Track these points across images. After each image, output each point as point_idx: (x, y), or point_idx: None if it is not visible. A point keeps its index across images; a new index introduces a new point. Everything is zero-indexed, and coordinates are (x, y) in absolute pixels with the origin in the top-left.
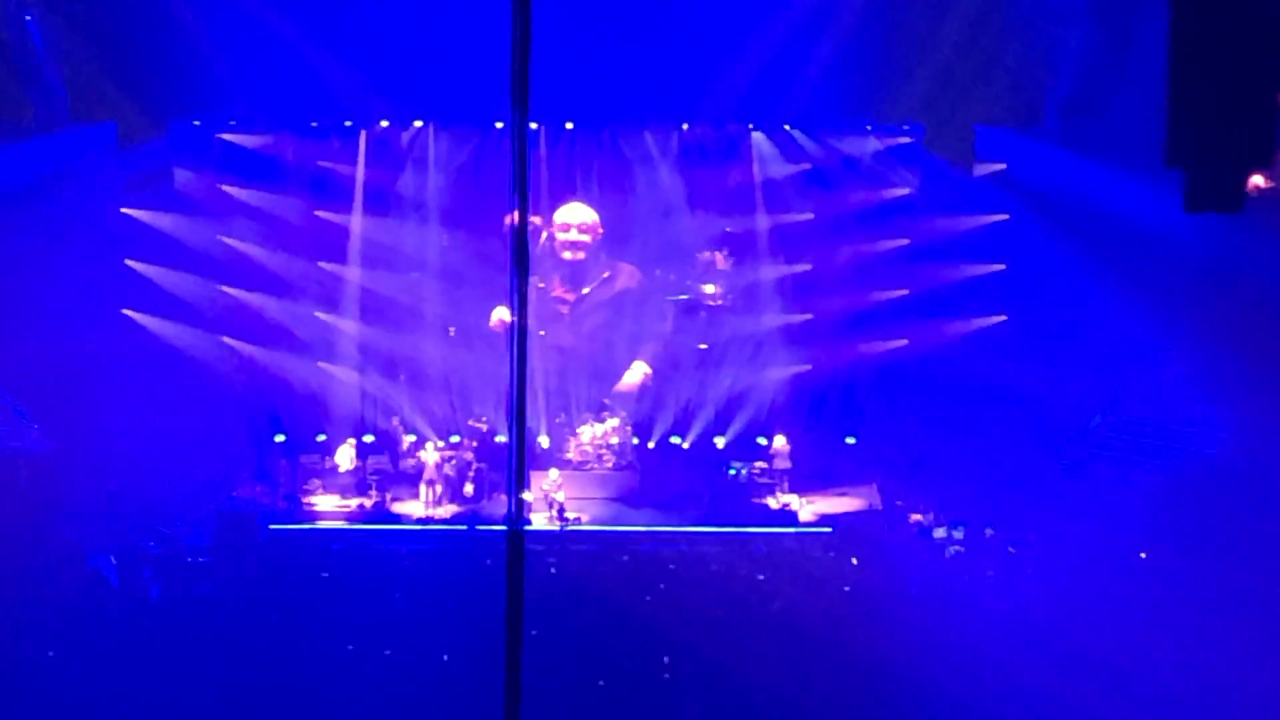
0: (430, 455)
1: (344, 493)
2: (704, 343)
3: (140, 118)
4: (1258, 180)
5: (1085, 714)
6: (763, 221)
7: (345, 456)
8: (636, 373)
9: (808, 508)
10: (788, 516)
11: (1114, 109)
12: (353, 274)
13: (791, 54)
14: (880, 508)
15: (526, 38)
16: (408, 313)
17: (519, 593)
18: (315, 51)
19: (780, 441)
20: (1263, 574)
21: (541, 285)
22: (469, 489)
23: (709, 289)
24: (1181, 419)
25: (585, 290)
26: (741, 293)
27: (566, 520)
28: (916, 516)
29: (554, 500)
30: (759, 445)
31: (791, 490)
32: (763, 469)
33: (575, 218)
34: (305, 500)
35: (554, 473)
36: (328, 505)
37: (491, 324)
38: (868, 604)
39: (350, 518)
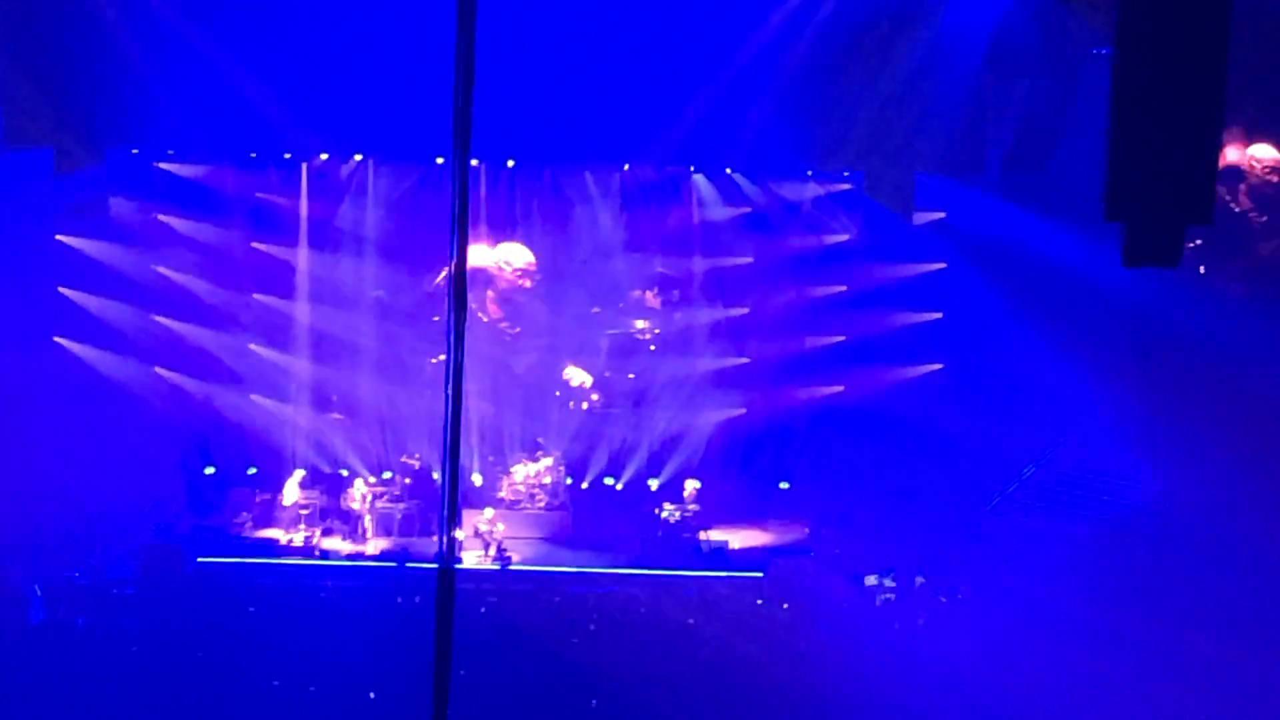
0: (361, 491)
1: (282, 526)
2: (632, 373)
3: (78, 145)
4: None
5: None
6: (701, 263)
7: (291, 490)
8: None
9: (735, 542)
10: (720, 559)
11: (1055, 161)
12: (289, 307)
13: (735, 98)
14: (812, 554)
15: (470, 75)
16: (343, 347)
17: (448, 631)
18: (255, 83)
19: (691, 485)
20: (1189, 623)
21: (484, 319)
22: (400, 526)
23: (640, 324)
24: (1112, 471)
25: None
26: (677, 334)
27: (507, 559)
28: (848, 563)
29: (489, 539)
30: (693, 488)
31: (719, 531)
32: (695, 511)
33: (516, 259)
34: (236, 533)
35: (489, 511)
36: (261, 538)
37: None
38: (798, 650)
39: (281, 552)
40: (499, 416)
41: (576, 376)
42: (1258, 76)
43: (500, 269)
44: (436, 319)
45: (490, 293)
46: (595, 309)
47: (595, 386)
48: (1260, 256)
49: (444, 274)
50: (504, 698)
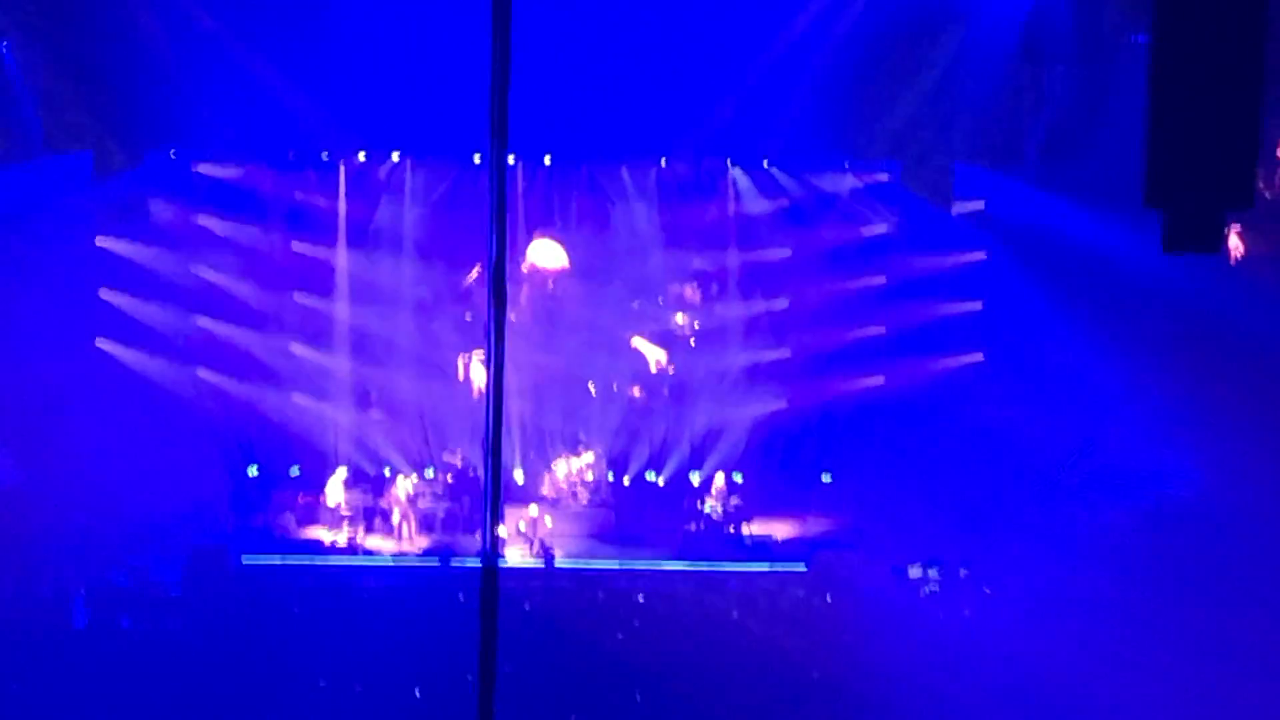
0: (404, 489)
1: (326, 525)
2: (672, 367)
3: (116, 148)
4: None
5: None
6: (739, 257)
7: (335, 490)
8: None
9: (778, 535)
10: (762, 552)
11: (1093, 149)
12: (329, 307)
13: (770, 92)
14: (855, 546)
15: (506, 72)
16: (383, 346)
17: (493, 628)
18: (292, 85)
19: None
20: (1233, 613)
21: (513, 318)
22: (442, 524)
23: (679, 319)
24: (1153, 460)
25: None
26: (716, 328)
27: (551, 556)
28: (891, 555)
29: (533, 535)
30: (734, 481)
31: (761, 524)
32: (736, 505)
33: (550, 258)
34: (280, 533)
35: (534, 508)
36: (305, 538)
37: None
38: (841, 642)
39: (325, 551)
40: (539, 413)
41: (652, 353)
42: None
43: (534, 267)
44: (469, 317)
45: (526, 289)
46: (634, 304)
47: (635, 380)
48: None
49: (475, 272)
50: (549, 693)
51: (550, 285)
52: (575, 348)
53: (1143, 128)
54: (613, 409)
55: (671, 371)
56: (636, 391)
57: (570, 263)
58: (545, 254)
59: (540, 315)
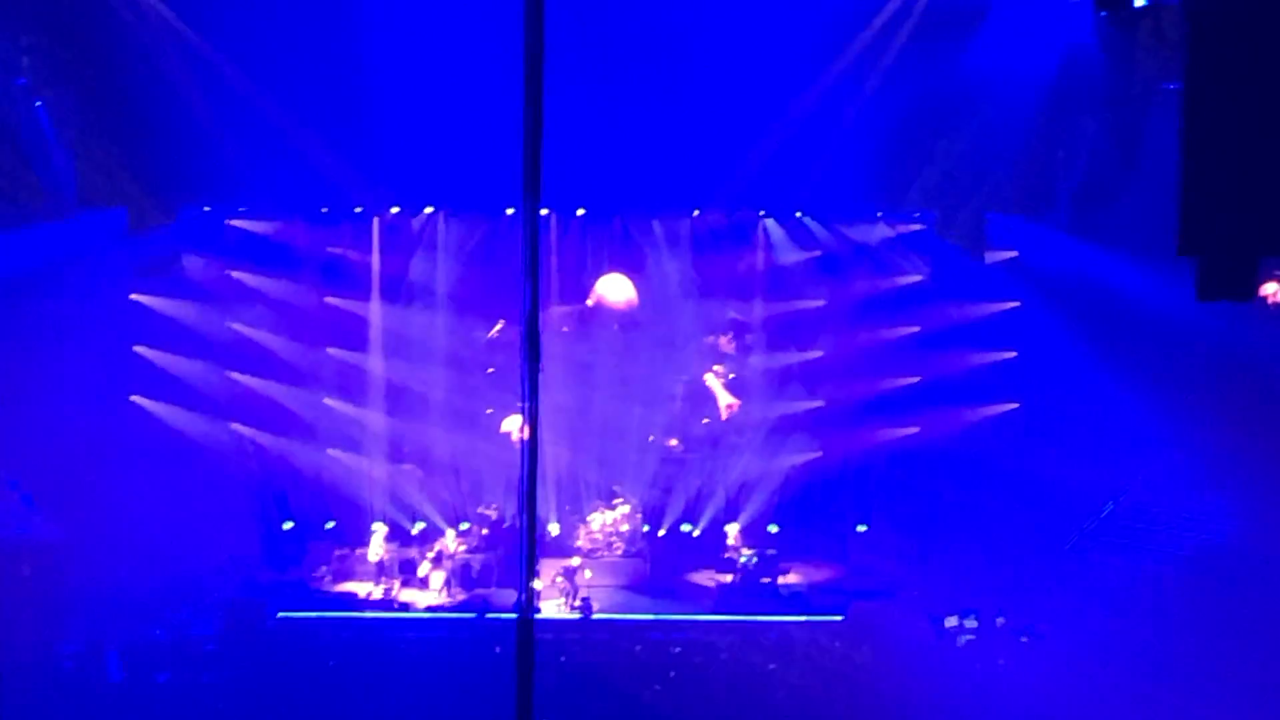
0: (439, 543)
1: (361, 579)
2: (707, 418)
3: (150, 204)
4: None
5: None
6: (774, 308)
7: (376, 545)
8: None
9: (814, 585)
10: (799, 603)
11: (1126, 197)
12: (363, 360)
13: (803, 142)
14: (891, 596)
15: (538, 125)
16: (418, 399)
17: (529, 681)
18: (324, 139)
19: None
20: (1275, 660)
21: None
22: (478, 577)
23: (716, 369)
24: (1191, 507)
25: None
26: (751, 379)
27: (589, 608)
28: (928, 605)
29: (571, 588)
30: (770, 533)
31: (798, 574)
32: (773, 556)
33: (618, 291)
34: (315, 587)
35: (575, 559)
36: (340, 592)
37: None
38: (879, 692)
39: (361, 605)
40: (575, 465)
41: (723, 396)
42: None
43: (602, 303)
44: (491, 370)
45: (568, 338)
46: (669, 355)
47: (670, 432)
48: None
49: (498, 327)
50: None
51: (615, 325)
52: (609, 399)
53: (1176, 176)
54: (648, 460)
55: (706, 422)
56: (672, 442)
57: (636, 299)
58: (614, 288)
59: (574, 366)
